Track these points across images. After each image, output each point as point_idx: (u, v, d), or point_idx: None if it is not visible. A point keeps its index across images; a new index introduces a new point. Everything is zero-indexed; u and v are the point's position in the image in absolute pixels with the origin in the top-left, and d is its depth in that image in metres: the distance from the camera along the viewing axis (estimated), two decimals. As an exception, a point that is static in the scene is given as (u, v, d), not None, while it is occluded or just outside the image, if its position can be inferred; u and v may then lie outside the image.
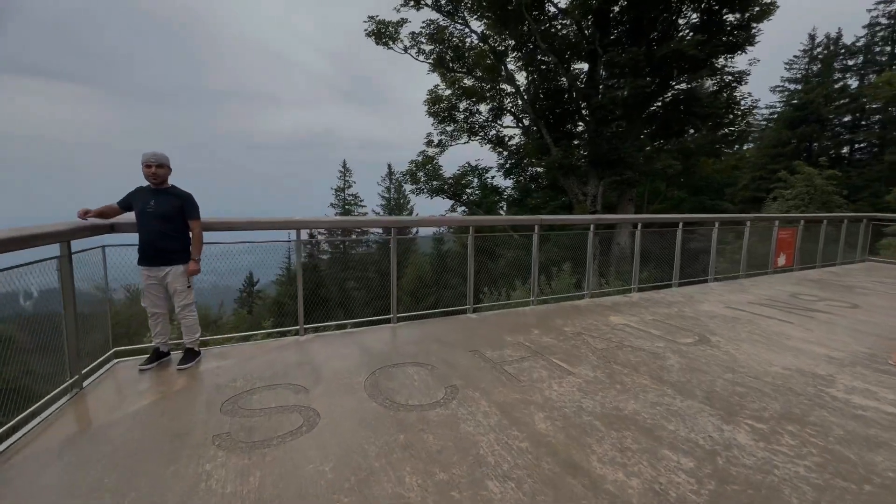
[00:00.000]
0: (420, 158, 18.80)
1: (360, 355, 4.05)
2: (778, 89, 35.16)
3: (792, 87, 34.56)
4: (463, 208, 19.52)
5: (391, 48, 16.58)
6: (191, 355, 3.70)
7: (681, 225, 7.42)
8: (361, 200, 37.75)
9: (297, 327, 4.62)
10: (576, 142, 16.52)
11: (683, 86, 13.69)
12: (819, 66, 33.91)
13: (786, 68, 35.05)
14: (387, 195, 41.09)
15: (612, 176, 13.63)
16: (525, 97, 16.42)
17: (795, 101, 32.50)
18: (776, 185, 20.36)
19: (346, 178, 37.34)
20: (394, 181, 41.29)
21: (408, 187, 19.77)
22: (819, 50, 34.29)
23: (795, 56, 34.98)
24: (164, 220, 3.39)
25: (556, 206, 16.14)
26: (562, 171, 14.45)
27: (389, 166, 40.92)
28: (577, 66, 15.67)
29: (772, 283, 8.15)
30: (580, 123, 16.02)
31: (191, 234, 3.57)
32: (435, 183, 18.32)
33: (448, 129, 19.29)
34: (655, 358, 4.08)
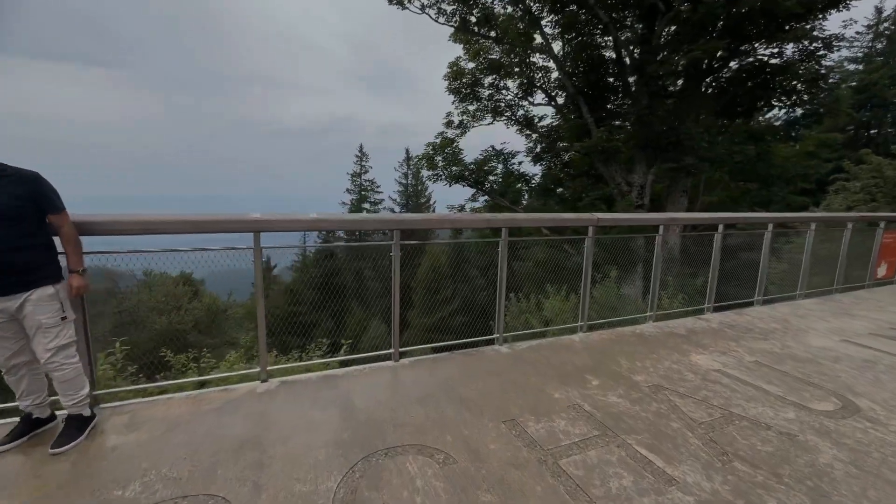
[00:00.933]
0: (438, 140, 17.25)
1: (339, 425, 2.72)
2: (834, 70, 32.05)
3: (852, 67, 31.38)
4: (485, 198, 17.95)
5: (406, 7, 14.92)
6: (75, 428, 2.43)
7: (770, 227, 5.83)
8: (378, 186, 36.62)
9: (258, 369, 3.32)
10: (619, 122, 14.65)
11: (764, 51, 11.65)
12: (885, 42, 30.65)
13: (846, 47, 31.84)
14: (404, 181, 39.92)
15: (666, 162, 11.82)
16: (563, 69, 14.59)
17: (855, 83, 29.48)
18: (835, 175, 18.20)
19: (363, 164, 36.18)
20: (411, 167, 40.11)
21: (425, 173, 18.28)
22: (886, 25, 30.94)
23: (858, 32, 31.69)
24: (9, 223, 2.08)
25: (595, 197, 14.43)
26: (603, 156, 12.71)
27: (407, 151, 39.76)
28: (623, 34, 13.74)
29: (879, 301, 6.49)
30: (627, 100, 14.17)
31: (61, 236, 2.29)
32: (455, 168, 16.77)
33: (470, 108, 17.64)
34: (794, 445, 2.62)
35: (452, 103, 17.67)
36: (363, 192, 36.55)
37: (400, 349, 3.78)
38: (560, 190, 18.27)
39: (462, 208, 18.01)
